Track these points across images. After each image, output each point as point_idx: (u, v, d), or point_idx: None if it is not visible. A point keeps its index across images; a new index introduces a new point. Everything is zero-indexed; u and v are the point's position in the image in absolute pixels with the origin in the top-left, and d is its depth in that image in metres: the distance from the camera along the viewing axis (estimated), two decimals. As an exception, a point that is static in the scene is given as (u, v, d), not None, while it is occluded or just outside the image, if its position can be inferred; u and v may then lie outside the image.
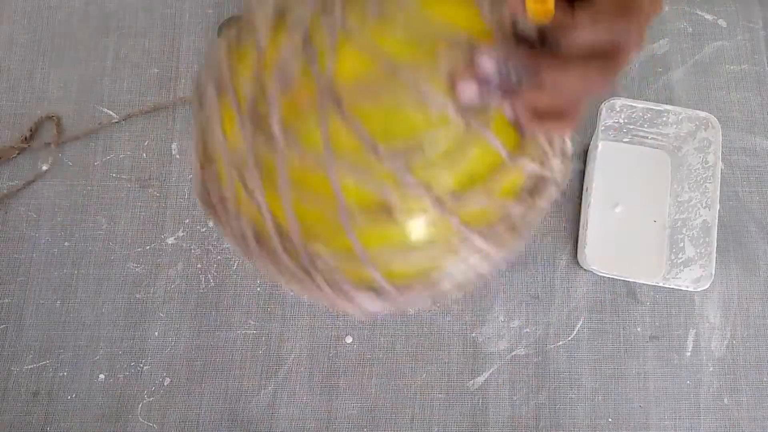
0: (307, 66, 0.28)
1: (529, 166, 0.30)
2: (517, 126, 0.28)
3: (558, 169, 0.32)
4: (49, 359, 0.63)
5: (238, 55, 0.31)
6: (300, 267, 0.31)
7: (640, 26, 0.25)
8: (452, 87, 0.26)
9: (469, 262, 0.31)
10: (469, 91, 0.26)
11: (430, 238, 0.30)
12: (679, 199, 0.66)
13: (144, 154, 0.68)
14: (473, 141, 0.28)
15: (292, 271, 0.31)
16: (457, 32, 0.27)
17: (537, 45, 0.26)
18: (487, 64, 0.25)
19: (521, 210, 0.31)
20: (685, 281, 0.60)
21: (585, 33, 0.24)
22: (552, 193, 0.32)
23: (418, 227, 0.29)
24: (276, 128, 0.28)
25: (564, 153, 0.33)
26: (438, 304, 0.52)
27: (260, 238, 0.31)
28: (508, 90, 0.26)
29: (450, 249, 0.30)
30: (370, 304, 0.32)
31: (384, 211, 0.28)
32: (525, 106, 0.27)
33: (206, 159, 0.32)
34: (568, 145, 0.33)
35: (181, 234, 0.66)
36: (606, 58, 0.25)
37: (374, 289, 0.31)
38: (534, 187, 0.31)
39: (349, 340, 0.64)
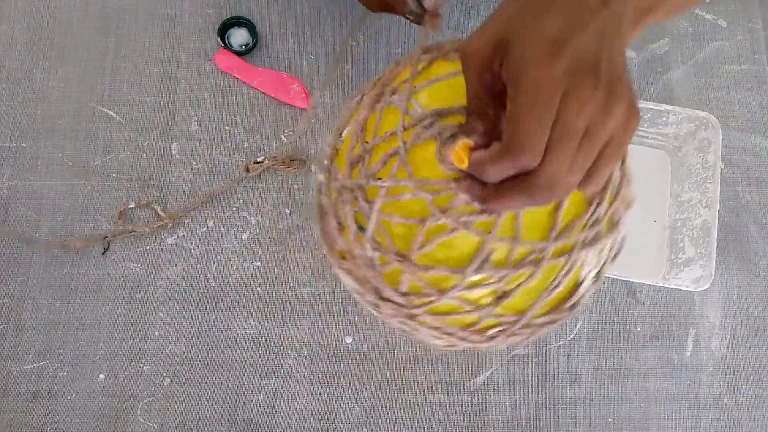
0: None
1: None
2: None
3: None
4: (49, 359, 0.63)
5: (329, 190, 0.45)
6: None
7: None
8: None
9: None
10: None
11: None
12: (679, 199, 0.66)
13: (144, 154, 0.68)
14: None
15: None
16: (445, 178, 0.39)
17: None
18: (459, 190, 0.37)
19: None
20: (685, 281, 0.60)
21: (491, 171, 0.33)
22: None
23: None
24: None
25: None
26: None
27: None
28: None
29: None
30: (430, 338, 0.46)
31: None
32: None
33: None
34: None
35: (181, 234, 0.66)
36: (518, 183, 0.33)
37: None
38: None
39: (349, 340, 0.64)
